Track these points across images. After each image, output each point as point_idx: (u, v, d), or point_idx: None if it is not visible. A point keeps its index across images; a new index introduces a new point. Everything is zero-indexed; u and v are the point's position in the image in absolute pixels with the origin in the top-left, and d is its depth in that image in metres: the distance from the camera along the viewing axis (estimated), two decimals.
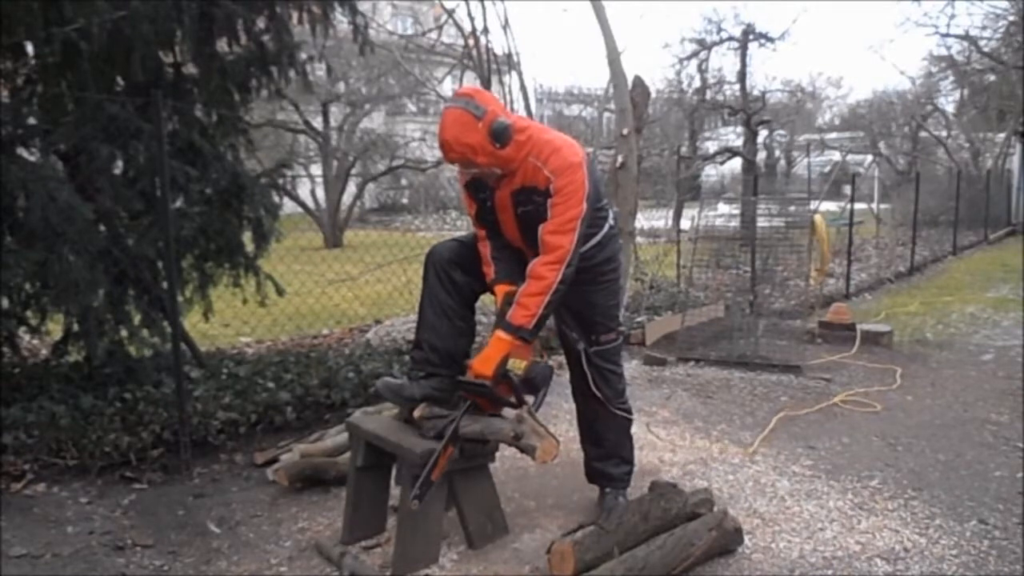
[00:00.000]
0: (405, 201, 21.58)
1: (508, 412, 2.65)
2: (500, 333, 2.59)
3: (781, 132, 22.33)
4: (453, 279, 2.79)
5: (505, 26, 6.31)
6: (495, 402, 2.64)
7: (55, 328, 4.19)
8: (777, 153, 26.07)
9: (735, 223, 6.71)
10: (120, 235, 3.98)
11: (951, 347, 6.20)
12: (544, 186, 2.56)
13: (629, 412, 3.09)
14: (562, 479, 3.48)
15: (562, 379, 5.28)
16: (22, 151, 3.78)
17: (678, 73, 16.68)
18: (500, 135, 2.48)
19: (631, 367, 5.56)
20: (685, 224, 10.84)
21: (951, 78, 19.28)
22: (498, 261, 2.77)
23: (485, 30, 6.22)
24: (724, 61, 23.89)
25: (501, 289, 2.74)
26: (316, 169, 16.22)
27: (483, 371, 2.58)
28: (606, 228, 2.85)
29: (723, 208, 7.02)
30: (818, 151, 21.72)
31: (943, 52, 18.18)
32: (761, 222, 6.42)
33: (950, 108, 21.30)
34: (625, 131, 5.73)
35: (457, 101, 2.50)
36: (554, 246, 2.55)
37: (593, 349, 2.92)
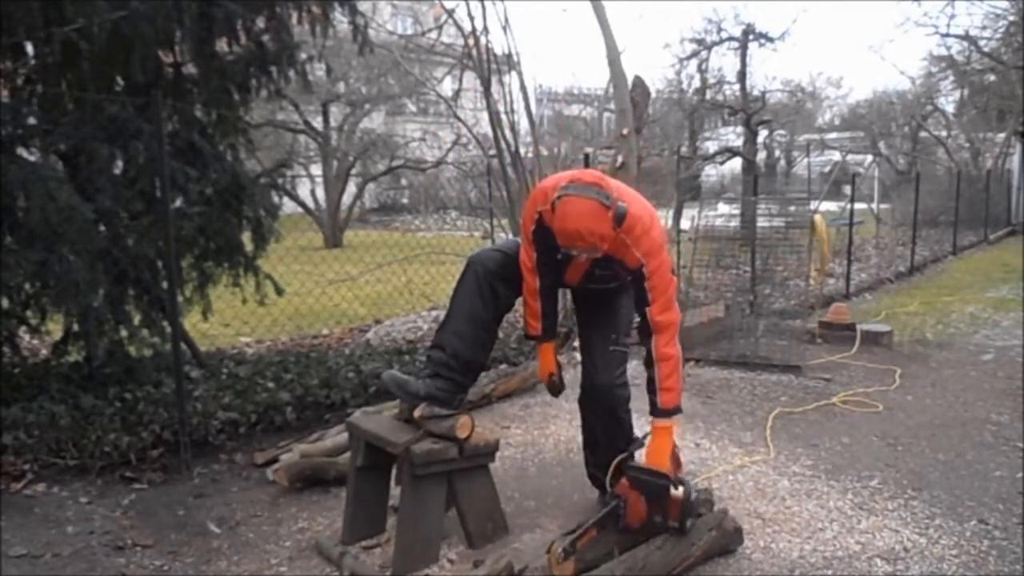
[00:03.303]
0: (405, 201, 21.59)
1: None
2: (662, 422, 2.69)
3: (781, 132, 22.30)
4: (496, 291, 2.81)
5: (505, 26, 6.31)
6: (654, 504, 2.60)
7: (55, 328, 4.19)
8: (777, 153, 26.06)
9: (735, 223, 6.71)
10: (120, 235, 3.98)
11: (951, 347, 6.20)
12: (633, 265, 2.63)
13: (629, 420, 3.08)
14: (562, 479, 3.49)
15: (564, 378, 5.25)
16: (22, 151, 3.77)
17: (678, 73, 16.65)
18: (621, 220, 2.50)
19: (631, 367, 5.54)
20: (685, 224, 10.85)
21: (951, 78, 19.26)
22: (546, 318, 2.94)
23: (485, 30, 6.21)
24: (724, 61, 23.86)
25: (548, 348, 3.02)
26: (316, 169, 16.22)
27: (663, 463, 2.64)
28: None
29: (723, 208, 7.02)
30: (818, 151, 21.72)
31: (943, 52, 18.16)
32: (761, 222, 6.42)
33: (950, 108, 21.32)
34: (625, 131, 5.73)
35: (587, 191, 2.43)
36: (666, 324, 2.68)
37: (612, 348, 2.96)
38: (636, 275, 2.65)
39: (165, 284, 3.97)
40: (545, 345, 3.02)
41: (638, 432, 3.75)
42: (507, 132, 6.28)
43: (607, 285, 2.87)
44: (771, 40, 14.83)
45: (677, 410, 2.71)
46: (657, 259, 2.63)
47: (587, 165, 6.26)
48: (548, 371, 3.03)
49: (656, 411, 2.71)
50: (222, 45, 4.33)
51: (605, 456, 2.92)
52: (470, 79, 7.20)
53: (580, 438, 3.20)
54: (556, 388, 3.09)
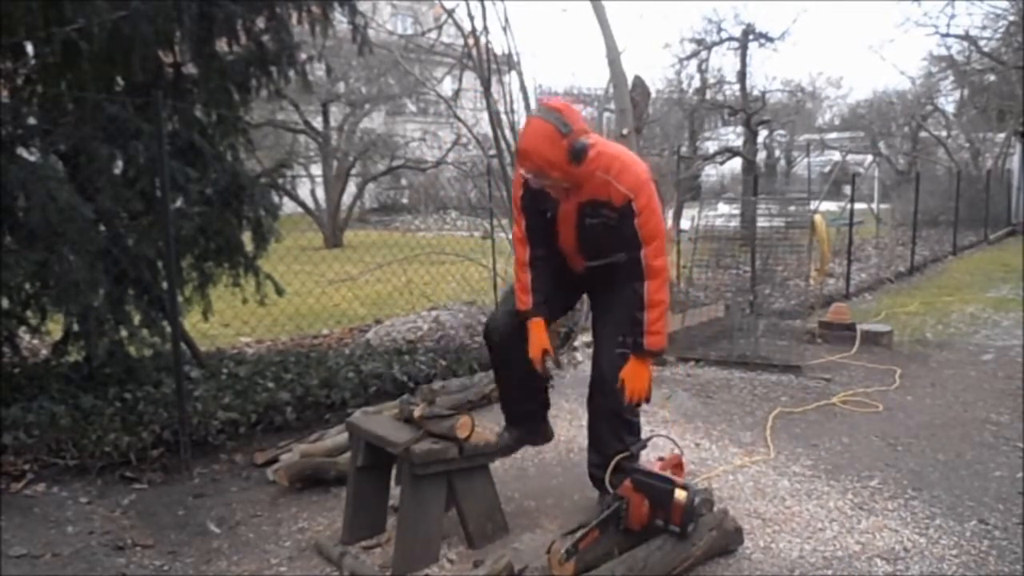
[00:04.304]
0: (405, 201, 21.60)
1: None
2: (640, 358, 2.73)
3: (781, 132, 22.31)
4: (512, 356, 2.89)
5: (505, 26, 6.31)
6: (657, 507, 2.61)
7: (55, 328, 4.19)
8: (777, 153, 26.06)
9: (735, 223, 6.71)
10: (120, 235, 3.98)
11: (951, 347, 6.20)
12: (620, 202, 2.61)
13: (637, 424, 3.06)
14: (562, 479, 3.49)
15: (564, 379, 5.27)
16: (22, 151, 3.77)
17: (678, 73, 16.65)
18: (579, 154, 2.52)
19: None
20: (685, 224, 10.85)
21: (951, 78, 19.26)
22: (537, 293, 2.86)
23: (485, 30, 6.22)
24: (724, 61, 23.91)
25: (538, 324, 2.83)
26: (316, 169, 16.22)
27: (644, 386, 2.74)
28: None
29: (723, 208, 7.02)
30: (818, 151, 21.70)
31: (943, 52, 18.17)
32: (761, 222, 6.42)
33: (950, 108, 21.31)
34: (625, 131, 5.73)
35: (548, 114, 2.51)
36: (659, 269, 2.68)
37: (619, 351, 2.86)
38: (625, 213, 2.62)
39: (165, 284, 3.96)
40: (536, 320, 2.83)
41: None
42: (507, 132, 6.28)
43: (608, 259, 2.80)
44: (771, 40, 14.83)
45: (661, 352, 2.80)
46: (644, 195, 2.62)
47: None
48: (541, 347, 2.80)
49: (641, 351, 2.71)
50: (222, 45, 4.32)
51: (607, 456, 2.91)
52: (470, 79, 7.20)
53: (580, 438, 3.20)
54: (546, 371, 2.85)
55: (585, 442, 3.15)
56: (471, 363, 4.91)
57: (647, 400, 2.78)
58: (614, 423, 2.94)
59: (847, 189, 13.12)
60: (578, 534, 2.51)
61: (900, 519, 3.09)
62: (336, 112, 17.02)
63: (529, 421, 3.03)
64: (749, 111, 14.49)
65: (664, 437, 3.30)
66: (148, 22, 3.72)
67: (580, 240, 2.79)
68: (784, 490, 3.38)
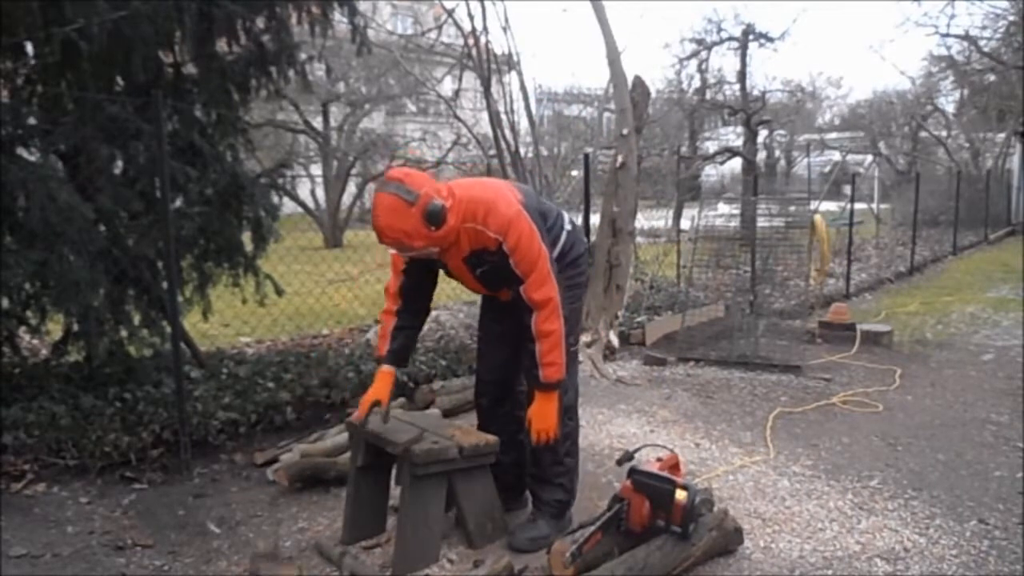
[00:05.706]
0: None
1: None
2: (544, 394, 2.68)
3: (781, 132, 22.31)
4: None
5: (505, 26, 6.32)
6: (658, 508, 2.60)
7: (55, 328, 4.18)
8: (777, 153, 26.05)
9: (735, 223, 6.71)
10: (120, 235, 3.98)
11: (951, 347, 6.20)
12: (494, 246, 2.59)
13: (574, 431, 2.98)
14: None
15: None
16: (22, 151, 3.77)
17: (678, 73, 16.70)
18: (435, 217, 2.44)
19: (631, 367, 5.56)
20: (685, 224, 10.85)
21: (951, 78, 19.26)
22: (393, 341, 2.81)
23: (485, 30, 6.23)
24: (724, 61, 23.95)
25: (386, 374, 2.77)
26: (316, 169, 16.21)
27: (550, 424, 2.68)
28: (564, 236, 2.83)
29: (723, 208, 7.02)
30: (818, 151, 21.72)
31: (943, 52, 18.16)
32: (761, 222, 6.42)
33: (950, 108, 21.32)
34: (625, 131, 5.72)
35: (388, 187, 2.44)
36: (543, 301, 2.61)
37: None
38: (502, 256, 2.59)
39: (165, 284, 3.96)
40: (384, 370, 2.79)
41: (636, 428, 3.76)
42: (507, 132, 6.29)
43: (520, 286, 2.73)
44: (771, 40, 14.86)
45: (559, 384, 2.69)
46: (513, 234, 2.56)
47: (587, 165, 6.27)
48: (375, 396, 2.74)
49: (539, 384, 2.69)
50: (222, 45, 4.32)
51: (544, 470, 2.89)
52: (470, 79, 7.21)
53: (579, 438, 3.18)
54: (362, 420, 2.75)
55: (584, 442, 3.15)
56: (471, 363, 4.90)
57: (555, 438, 2.72)
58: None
59: (847, 189, 13.12)
60: (579, 536, 2.51)
61: (900, 519, 3.09)
62: (336, 112, 16.99)
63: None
64: (749, 111, 14.50)
65: (656, 446, 3.28)
66: (148, 22, 3.71)
67: (484, 284, 2.80)
68: (784, 490, 3.38)
